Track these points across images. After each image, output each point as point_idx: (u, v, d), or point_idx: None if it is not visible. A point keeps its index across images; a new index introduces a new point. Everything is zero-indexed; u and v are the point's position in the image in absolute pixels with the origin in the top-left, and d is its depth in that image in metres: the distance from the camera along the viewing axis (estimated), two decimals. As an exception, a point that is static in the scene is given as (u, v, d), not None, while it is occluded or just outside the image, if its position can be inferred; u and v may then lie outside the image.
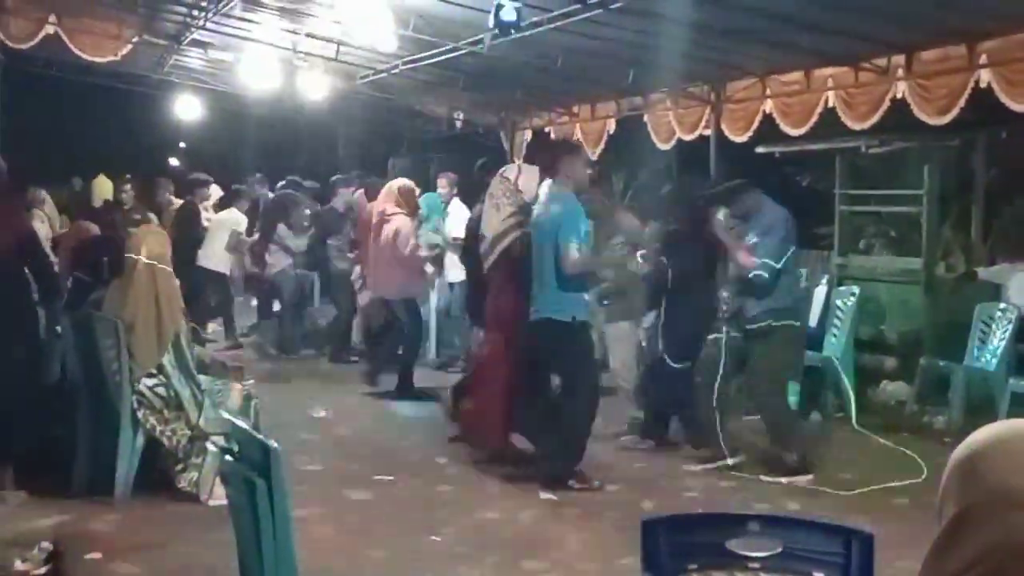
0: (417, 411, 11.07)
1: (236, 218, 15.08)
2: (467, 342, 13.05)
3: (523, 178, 9.09)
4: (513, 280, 8.84)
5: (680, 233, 9.66)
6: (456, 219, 13.15)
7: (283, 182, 16.04)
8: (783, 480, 8.55)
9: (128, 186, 16.67)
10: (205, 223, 15.16)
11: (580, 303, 8.40)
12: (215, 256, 14.66)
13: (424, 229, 12.56)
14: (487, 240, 9.11)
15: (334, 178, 15.59)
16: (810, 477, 8.61)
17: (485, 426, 9.12)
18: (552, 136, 16.53)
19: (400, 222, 11.72)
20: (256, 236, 14.95)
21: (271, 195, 15.80)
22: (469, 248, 10.23)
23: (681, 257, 9.45)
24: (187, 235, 14.27)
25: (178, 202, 15.91)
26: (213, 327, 14.94)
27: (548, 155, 9.25)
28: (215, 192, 16.52)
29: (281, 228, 14.70)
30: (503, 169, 9.52)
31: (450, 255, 12.87)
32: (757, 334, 8.73)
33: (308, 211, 15.06)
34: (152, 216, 14.81)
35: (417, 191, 12.29)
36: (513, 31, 9.83)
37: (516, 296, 8.78)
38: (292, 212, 14.84)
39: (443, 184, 13.97)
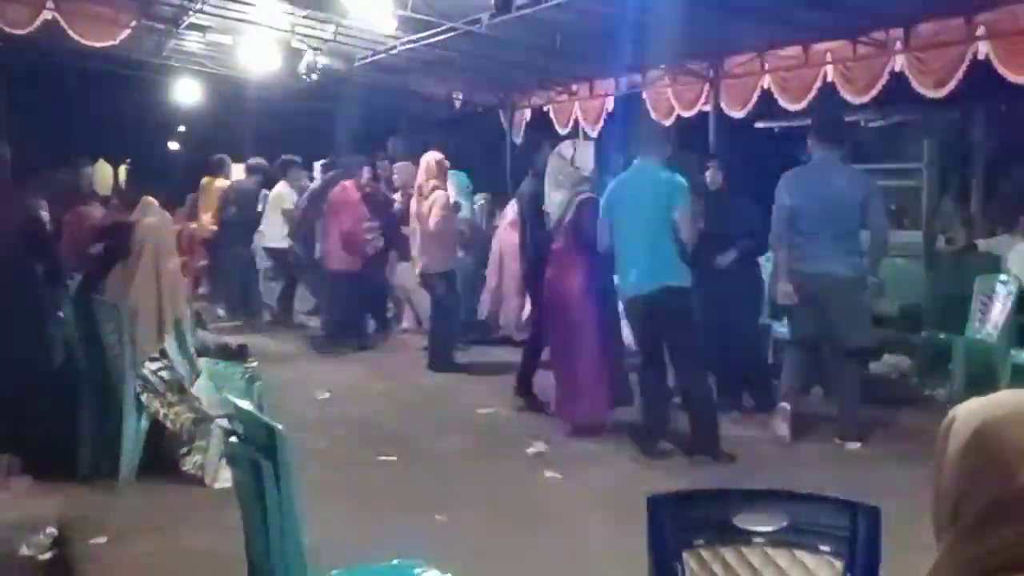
0: (425, 389, 11.12)
1: (286, 193, 15.24)
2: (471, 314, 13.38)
3: (579, 154, 9.37)
4: (586, 252, 9.01)
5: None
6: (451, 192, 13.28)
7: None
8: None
9: (127, 169, 16.76)
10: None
11: (688, 270, 8.52)
12: (276, 233, 15.07)
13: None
14: (554, 216, 9.35)
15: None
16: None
17: (585, 399, 9.18)
18: (552, 114, 16.52)
19: (438, 196, 11.85)
20: None
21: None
22: (527, 224, 10.38)
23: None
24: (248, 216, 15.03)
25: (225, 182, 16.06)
26: (220, 311, 15.09)
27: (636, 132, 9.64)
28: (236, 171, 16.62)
29: None
30: (559, 147, 9.62)
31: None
32: None
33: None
34: (152, 200, 14.81)
35: (447, 164, 12.40)
36: (511, 10, 9.84)
37: (592, 267, 9.04)
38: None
39: None
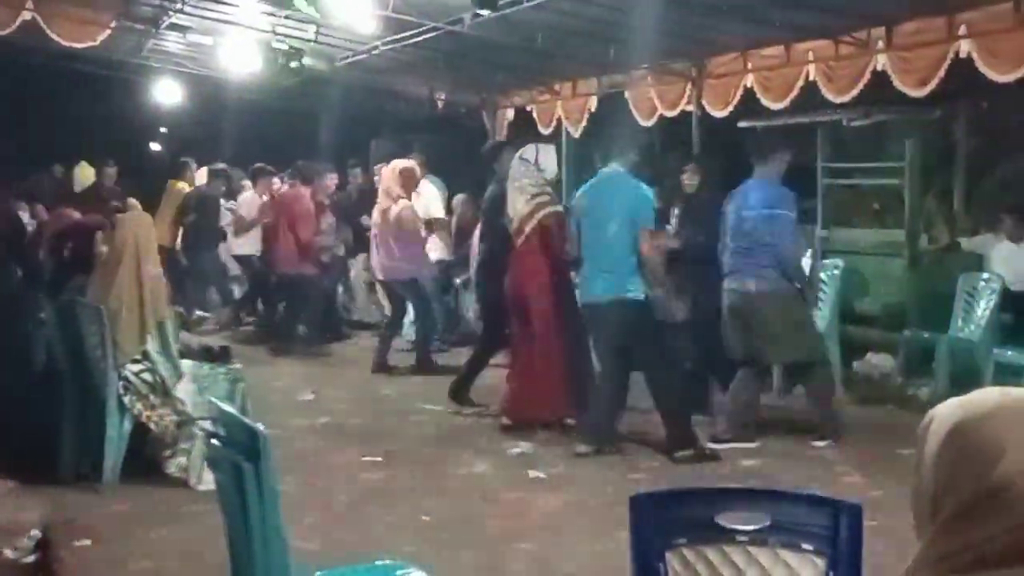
0: (405, 391, 11.11)
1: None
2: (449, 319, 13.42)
3: (542, 157, 9.26)
4: (549, 257, 9.02)
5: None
6: (427, 198, 13.31)
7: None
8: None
9: (111, 171, 16.71)
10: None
11: (641, 282, 8.52)
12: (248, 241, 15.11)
13: None
14: (515, 221, 9.23)
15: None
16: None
17: (544, 401, 9.19)
18: (535, 114, 16.51)
19: (402, 205, 11.82)
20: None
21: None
22: (487, 230, 10.34)
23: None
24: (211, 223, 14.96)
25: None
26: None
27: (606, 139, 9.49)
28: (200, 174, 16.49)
29: None
30: (521, 151, 9.56)
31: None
32: None
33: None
34: (134, 201, 14.76)
35: (419, 172, 12.39)
36: (492, 10, 9.84)
37: (554, 273, 9.04)
38: None
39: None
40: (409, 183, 12.04)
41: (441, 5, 11.66)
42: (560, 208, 9.24)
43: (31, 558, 6.10)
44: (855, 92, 10.64)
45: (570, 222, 8.89)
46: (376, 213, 12.04)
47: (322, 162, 15.18)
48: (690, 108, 13.01)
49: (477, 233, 12.17)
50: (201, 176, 16.04)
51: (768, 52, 11.75)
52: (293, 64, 14.75)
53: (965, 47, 9.44)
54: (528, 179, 9.20)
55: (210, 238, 15.15)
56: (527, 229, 9.10)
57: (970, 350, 10.13)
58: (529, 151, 9.48)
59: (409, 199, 11.99)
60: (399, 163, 12.21)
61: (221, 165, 15.87)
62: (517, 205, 9.20)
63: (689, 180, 10.33)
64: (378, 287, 13.57)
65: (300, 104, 19.17)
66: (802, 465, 8.34)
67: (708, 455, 8.38)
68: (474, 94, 17.83)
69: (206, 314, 14.43)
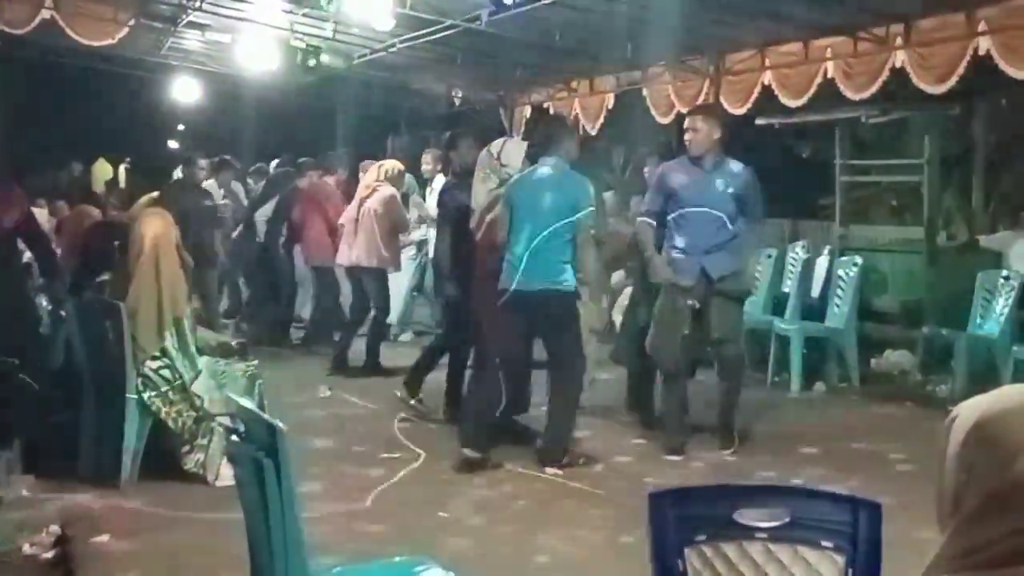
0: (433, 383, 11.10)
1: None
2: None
3: (505, 152, 9.09)
4: (496, 251, 8.73)
5: None
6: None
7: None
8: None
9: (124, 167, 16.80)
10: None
11: (573, 274, 8.31)
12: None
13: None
14: (475, 213, 9.07)
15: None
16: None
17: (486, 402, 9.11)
18: (551, 111, 16.49)
19: (385, 190, 11.81)
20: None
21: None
22: (442, 220, 10.18)
23: None
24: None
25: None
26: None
27: (545, 131, 9.17)
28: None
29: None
30: (491, 144, 9.47)
31: (429, 230, 12.95)
32: None
33: None
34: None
35: (403, 171, 12.43)
36: (510, 7, 9.83)
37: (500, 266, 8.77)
38: None
39: (427, 160, 14.00)
40: (395, 181, 12.07)
41: (458, 2, 11.66)
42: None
43: (50, 554, 6.13)
44: (873, 89, 10.62)
45: (501, 209, 8.69)
46: (357, 203, 12.02)
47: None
48: (708, 105, 12.99)
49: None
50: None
51: (786, 49, 11.73)
52: (311, 62, 14.78)
53: (984, 44, 9.41)
54: (490, 171, 9.06)
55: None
56: (486, 220, 8.98)
57: (989, 347, 10.11)
58: (495, 144, 9.36)
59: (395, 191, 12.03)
60: (386, 163, 12.35)
61: (226, 157, 15.88)
62: (478, 195, 9.10)
63: None
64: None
65: (318, 102, 19.21)
66: (840, 461, 8.31)
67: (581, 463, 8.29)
68: (491, 91, 17.83)
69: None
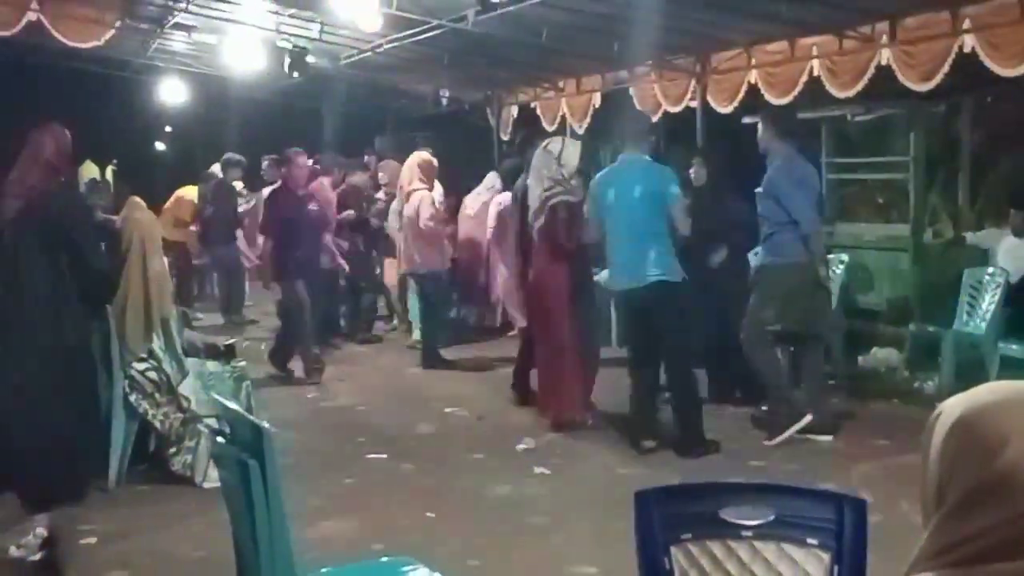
0: (413, 386, 11.11)
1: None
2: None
3: (566, 152, 9.31)
4: (563, 247, 9.09)
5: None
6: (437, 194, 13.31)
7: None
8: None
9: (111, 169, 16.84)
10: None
11: (679, 265, 8.52)
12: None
13: None
14: (531, 210, 9.35)
15: None
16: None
17: (563, 395, 9.26)
18: (539, 111, 16.50)
19: (422, 196, 11.91)
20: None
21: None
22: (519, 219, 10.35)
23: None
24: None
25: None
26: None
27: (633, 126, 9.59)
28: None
29: None
30: (547, 142, 9.60)
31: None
32: None
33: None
34: (138, 199, 14.81)
35: (435, 164, 12.43)
36: (497, 6, 9.84)
37: (568, 264, 9.13)
38: None
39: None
40: (429, 175, 12.17)
41: (445, 2, 11.65)
42: (571, 199, 9.16)
43: (37, 556, 6.12)
44: (859, 87, 10.63)
45: (590, 209, 8.85)
46: (395, 205, 12.18)
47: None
48: (694, 104, 12.99)
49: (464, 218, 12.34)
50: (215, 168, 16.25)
51: (772, 47, 11.73)
52: (295, 73, 14.79)
53: (969, 41, 9.42)
54: (547, 170, 9.22)
55: (229, 229, 15.29)
56: (542, 217, 9.16)
57: (975, 344, 10.13)
58: (555, 143, 9.53)
59: (430, 190, 12.08)
60: (418, 155, 12.39)
61: (235, 155, 15.93)
62: (534, 193, 9.28)
63: (696, 174, 10.37)
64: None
65: (304, 102, 19.17)
66: (826, 458, 8.34)
67: (713, 445, 8.44)
68: (478, 91, 17.81)
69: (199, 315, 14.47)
